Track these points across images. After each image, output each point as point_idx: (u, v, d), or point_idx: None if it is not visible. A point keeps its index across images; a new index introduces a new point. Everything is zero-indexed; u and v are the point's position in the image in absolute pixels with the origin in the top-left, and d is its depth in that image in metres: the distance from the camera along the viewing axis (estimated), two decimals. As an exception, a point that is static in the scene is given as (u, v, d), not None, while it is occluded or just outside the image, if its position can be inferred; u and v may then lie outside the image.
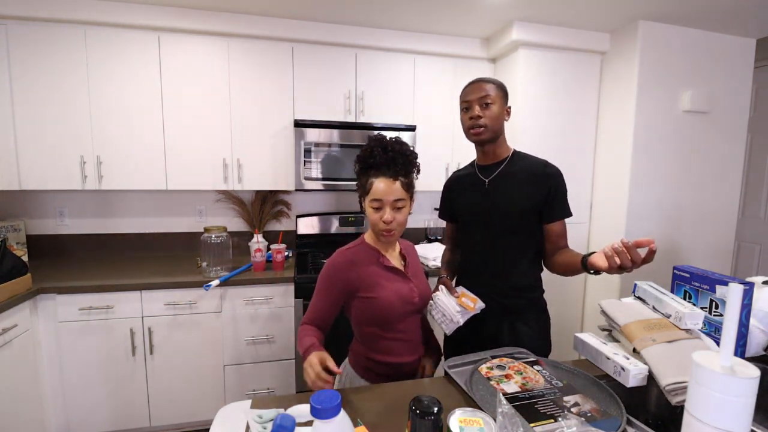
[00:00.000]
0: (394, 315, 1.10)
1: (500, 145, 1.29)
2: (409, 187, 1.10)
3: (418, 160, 1.14)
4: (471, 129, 1.24)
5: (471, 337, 1.31)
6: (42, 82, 1.95)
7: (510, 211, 1.25)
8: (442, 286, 1.25)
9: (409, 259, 1.21)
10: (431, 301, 1.21)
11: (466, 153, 2.49)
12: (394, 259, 1.17)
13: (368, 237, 1.18)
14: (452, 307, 1.17)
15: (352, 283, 1.09)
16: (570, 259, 1.18)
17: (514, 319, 1.28)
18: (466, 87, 1.27)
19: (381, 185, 1.05)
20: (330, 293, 1.10)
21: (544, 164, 1.27)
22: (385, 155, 1.06)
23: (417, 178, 1.16)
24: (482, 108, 1.22)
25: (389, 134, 1.14)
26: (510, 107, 1.28)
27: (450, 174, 1.51)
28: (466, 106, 1.25)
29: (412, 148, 1.12)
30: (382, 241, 1.12)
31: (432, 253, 2.29)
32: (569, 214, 1.26)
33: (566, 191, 1.26)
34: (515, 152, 1.31)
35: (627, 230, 2.23)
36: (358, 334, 1.16)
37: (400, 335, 1.12)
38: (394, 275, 1.13)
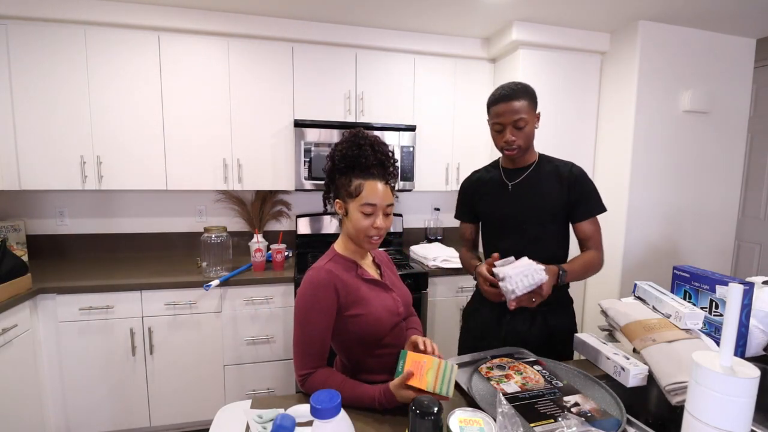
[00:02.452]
0: (384, 330, 1.01)
1: (530, 152, 1.29)
2: (394, 191, 1.03)
3: (397, 165, 1.08)
4: (505, 150, 1.24)
5: (498, 331, 1.30)
6: (42, 81, 1.95)
7: (539, 215, 1.26)
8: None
9: (384, 268, 1.13)
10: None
11: (465, 153, 2.49)
12: (371, 269, 1.09)
13: (340, 247, 1.06)
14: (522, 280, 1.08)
15: (339, 299, 0.97)
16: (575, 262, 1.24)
17: (546, 312, 1.27)
18: (497, 103, 1.21)
19: (376, 189, 0.96)
20: (320, 317, 0.95)
21: (570, 166, 1.27)
22: (375, 156, 0.97)
23: (395, 184, 1.09)
24: (516, 130, 1.20)
25: (383, 134, 1.07)
26: (539, 113, 1.25)
27: (468, 174, 1.46)
28: (498, 128, 1.22)
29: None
30: (366, 248, 1.02)
31: (432, 253, 2.29)
32: (598, 212, 1.25)
33: (594, 189, 1.26)
34: (541, 156, 1.31)
35: (627, 230, 2.23)
36: (344, 355, 1.07)
37: (386, 350, 1.03)
38: (374, 287, 1.04)
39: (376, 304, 1.01)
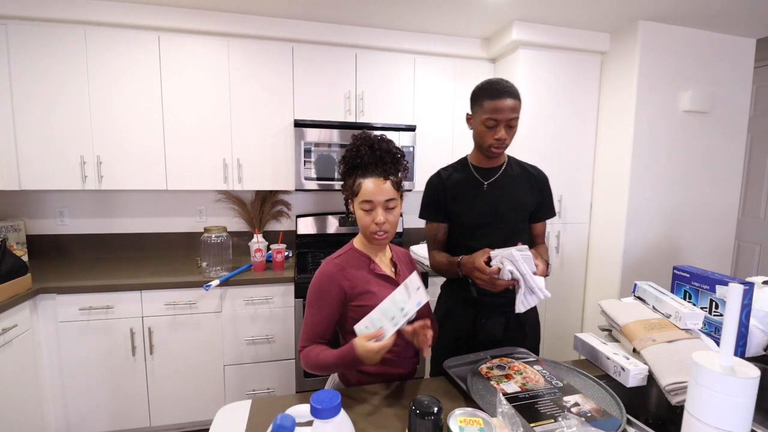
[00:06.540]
0: None
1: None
2: (398, 186, 1.06)
3: (405, 159, 1.09)
4: (494, 148, 1.21)
5: (474, 334, 1.28)
6: (42, 82, 1.95)
7: (515, 213, 1.29)
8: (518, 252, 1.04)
9: (400, 267, 1.15)
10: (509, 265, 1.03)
11: (466, 152, 2.47)
12: (385, 266, 1.12)
13: (357, 242, 1.12)
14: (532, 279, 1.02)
15: (344, 291, 1.03)
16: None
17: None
18: (496, 98, 1.16)
19: (371, 185, 1.00)
20: (324, 305, 1.03)
21: (538, 169, 1.36)
22: (372, 154, 1.02)
23: (405, 177, 1.11)
24: (508, 129, 1.19)
25: (378, 133, 1.09)
26: None
27: (434, 173, 1.39)
28: (492, 124, 1.18)
29: (398, 147, 1.07)
30: (374, 244, 1.07)
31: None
32: (554, 214, 1.39)
33: (552, 194, 1.37)
34: (509, 157, 1.36)
35: (627, 230, 2.23)
36: (345, 344, 1.09)
37: (391, 347, 1.00)
38: (384, 282, 1.08)
39: (381, 298, 1.00)
